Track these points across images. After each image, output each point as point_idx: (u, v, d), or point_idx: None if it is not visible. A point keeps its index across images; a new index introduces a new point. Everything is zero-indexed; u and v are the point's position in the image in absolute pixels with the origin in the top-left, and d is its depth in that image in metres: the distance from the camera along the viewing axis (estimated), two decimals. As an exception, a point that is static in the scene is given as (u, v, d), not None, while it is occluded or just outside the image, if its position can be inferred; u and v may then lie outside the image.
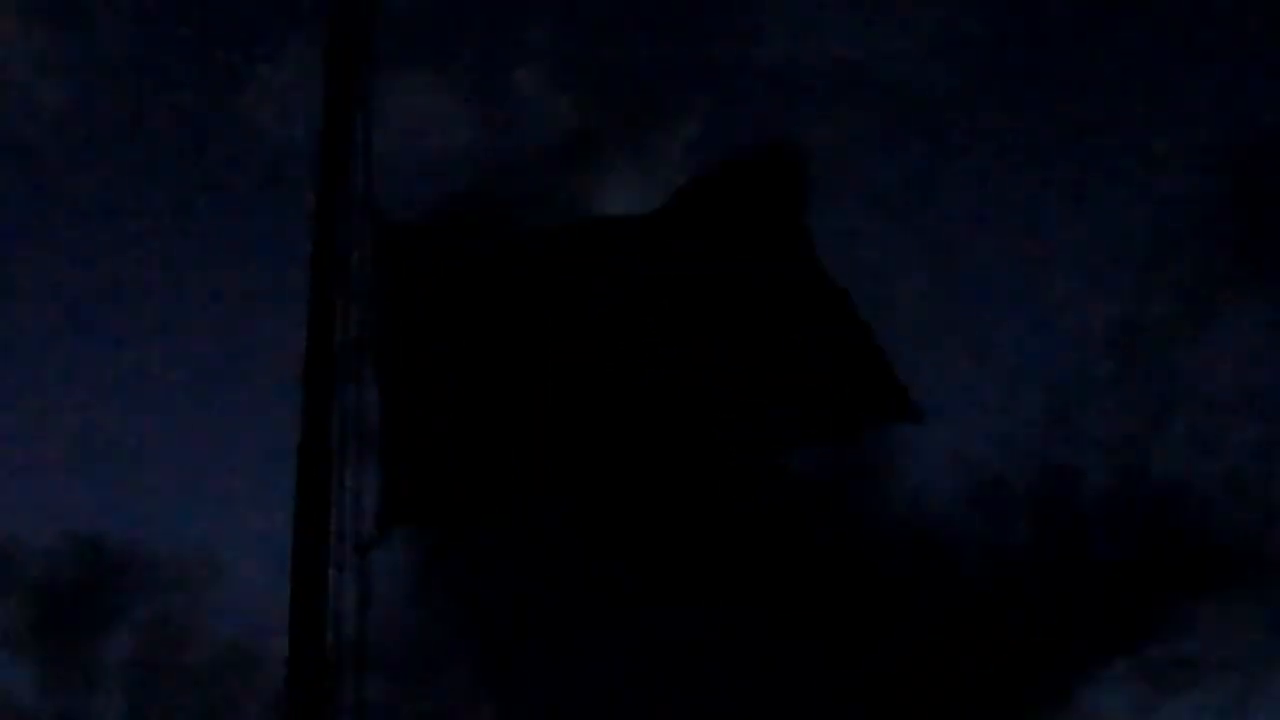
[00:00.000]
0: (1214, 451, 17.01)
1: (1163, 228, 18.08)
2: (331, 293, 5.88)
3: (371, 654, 5.87)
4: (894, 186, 19.55)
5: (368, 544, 5.95)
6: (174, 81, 19.21)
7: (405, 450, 6.13)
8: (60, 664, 17.02)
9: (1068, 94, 19.62)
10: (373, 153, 6.00)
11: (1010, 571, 16.32)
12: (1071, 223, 19.62)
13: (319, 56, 5.94)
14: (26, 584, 17.31)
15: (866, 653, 15.60)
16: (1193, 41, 19.01)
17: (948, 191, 19.87)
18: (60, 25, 19.02)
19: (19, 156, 19.20)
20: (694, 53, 19.20)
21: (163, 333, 19.63)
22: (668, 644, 15.80)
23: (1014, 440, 17.71)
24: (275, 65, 18.21)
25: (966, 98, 19.42)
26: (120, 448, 19.27)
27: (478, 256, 6.37)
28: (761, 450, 6.57)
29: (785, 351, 6.57)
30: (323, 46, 5.97)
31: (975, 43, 19.11)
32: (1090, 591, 16.27)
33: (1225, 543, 16.44)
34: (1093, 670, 16.26)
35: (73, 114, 19.18)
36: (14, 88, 18.90)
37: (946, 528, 16.41)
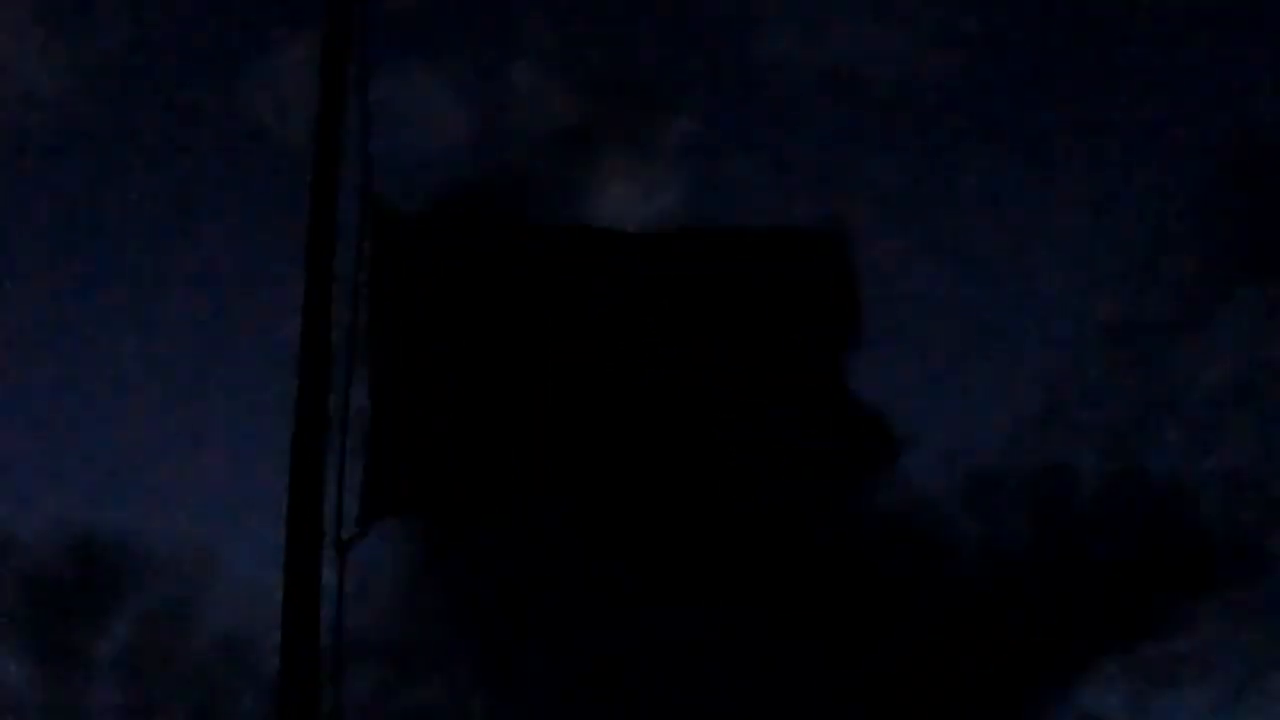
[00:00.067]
0: (1212, 449, 17.02)
1: (1161, 225, 18.10)
2: (326, 285, 5.87)
3: (369, 648, 5.88)
4: (891, 184, 19.57)
5: (348, 540, 5.92)
6: (172, 75, 19.22)
7: (393, 444, 6.12)
8: (54, 657, 17.04)
9: (1066, 91, 19.63)
10: (369, 143, 5.99)
11: (1007, 569, 16.35)
12: (1069, 220, 19.62)
13: (317, 49, 5.95)
14: (20, 577, 17.33)
15: (866, 653, 15.62)
16: (1190, 38, 19.01)
17: (945, 189, 19.88)
18: (59, 17, 19.03)
19: (17, 149, 19.21)
20: (692, 47, 19.21)
21: (158, 326, 19.65)
22: (668, 644, 15.82)
23: (1011, 437, 17.74)
24: (273, 58, 18.22)
25: (965, 95, 19.44)
26: (115, 441, 19.29)
27: (477, 249, 6.37)
28: (761, 450, 6.57)
29: (785, 352, 6.57)
30: (320, 38, 5.98)
31: (974, 40, 19.11)
32: (1087, 589, 16.28)
33: (1222, 540, 16.46)
34: (1089, 668, 16.28)
35: (71, 106, 19.20)
36: (13, 80, 18.91)
37: (944, 525, 16.43)
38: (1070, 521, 16.65)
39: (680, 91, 18.97)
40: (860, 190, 19.07)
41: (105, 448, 19.14)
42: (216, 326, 19.34)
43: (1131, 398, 17.47)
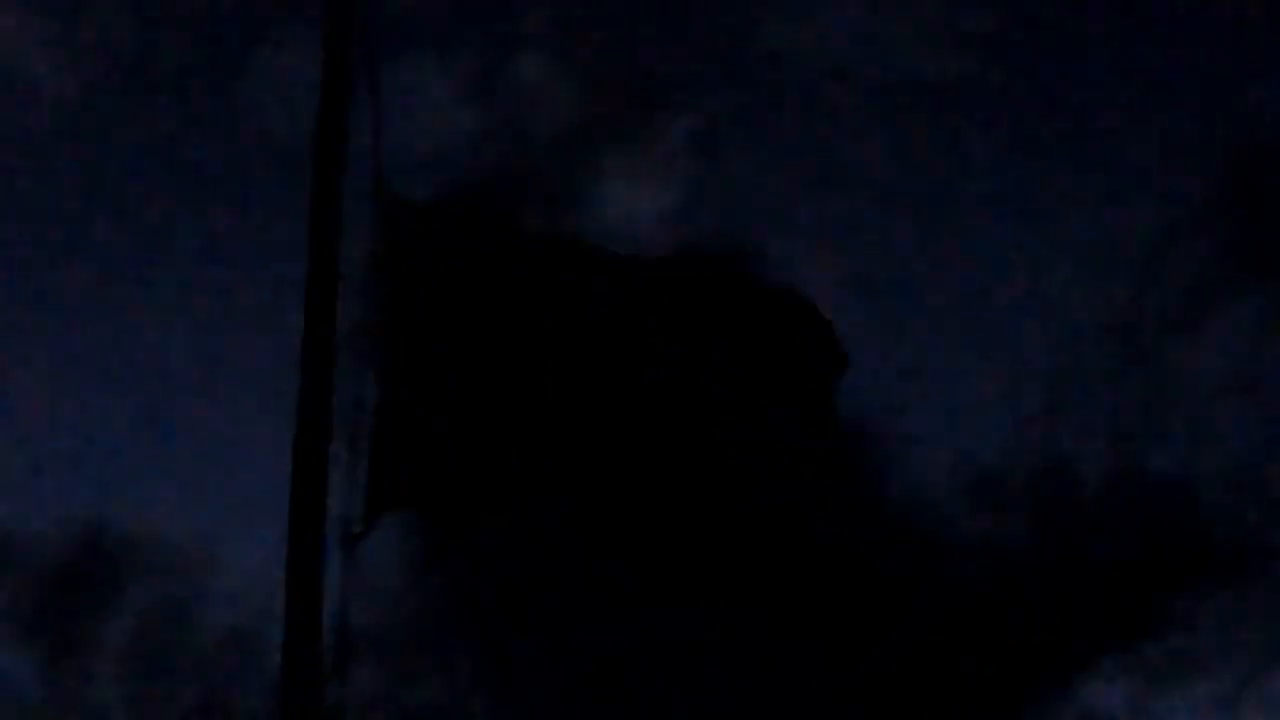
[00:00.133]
0: (1213, 446, 17.02)
1: (1163, 223, 18.10)
2: (329, 280, 5.87)
3: (369, 645, 5.87)
4: (893, 178, 19.57)
5: (355, 536, 5.94)
6: (174, 70, 19.23)
7: (398, 440, 6.13)
8: (57, 651, 17.05)
9: (1069, 86, 19.63)
10: (379, 135, 6.00)
11: (1007, 567, 16.34)
12: (1071, 216, 19.63)
13: (319, 44, 5.95)
14: (23, 571, 17.34)
15: (866, 653, 15.60)
16: (1194, 36, 19.01)
17: (947, 183, 19.88)
18: (61, 14, 19.04)
19: (20, 145, 19.23)
20: (696, 44, 19.21)
21: (162, 319, 19.65)
22: (668, 644, 15.80)
23: (1012, 434, 17.74)
24: (278, 53, 18.22)
25: (967, 92, 19.43)
26: (119, 434, 19.30)
27: (482, 247, 6.37)
28: (761, 450, 6.58)
29: (785, 354, 6.58)
30: (322, 33, 5.98)
31: (977, 34, 19.11)
32: (1088, 587, 16.27)
33: (1224, 538, 16.45)
34: (1090, 666, 16.27)
35: (75, 102, 19.21)
36: (16, 77, 18.92)
37: (945, 523, 16.42)
38: (1071, 519, 16.64)
39: (684, 88, 18.98)
40: (862, 187, 19.09)
41: (109, 442, 19.16)
42: (220, 321, 19.36)
43: (1133, 395, 17.48)
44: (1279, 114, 18.11)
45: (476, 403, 6.28)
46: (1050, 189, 19.69)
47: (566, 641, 15.77)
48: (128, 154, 19.73)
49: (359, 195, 6.04)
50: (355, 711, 5.88)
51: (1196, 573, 16.26)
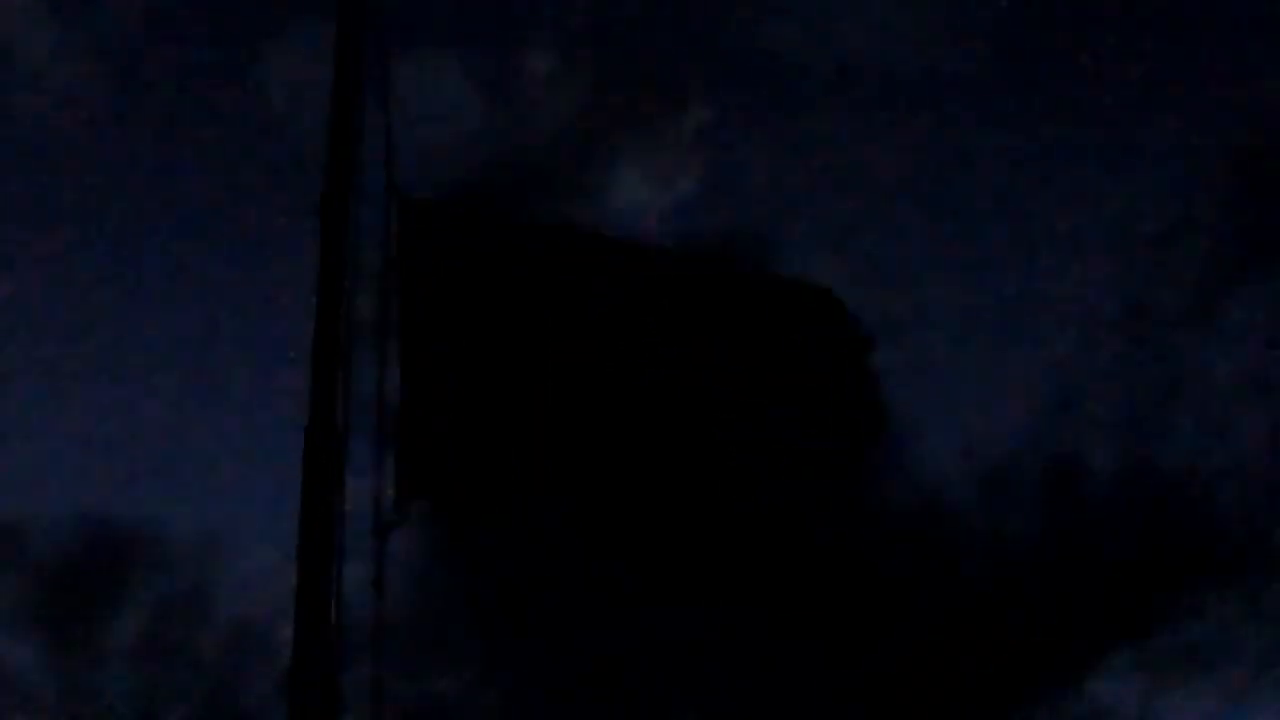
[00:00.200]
0: (1222, 439, 17.03)
1: (1173, 218, 18.10)
2: (340, 273, 5.88)
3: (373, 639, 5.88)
4: (903, 173, 19.58)
5: (387, 525, 5.95)
6: (186, 62, 19.24)
7: (425, 432, 6.14)
8: (67, 644, 17.06)
9: (1078, 80, 19.64)
10: (392, 130, 6.01)
11: (1018, 561, 16.34)
12: (1082, 211, 19.63)
13: (332, 37, 5.96)
14: (33, 565, 17.36)
15: (872, 649, 15.61)
16: (1204, 29, 19.02)
17: (957, 178, 19.89)
18: (73, 4, 19.05)
19: (29, 137, 19.23)
20: (707, 38, 19.21)
21: (173, 312, 19.67)
22: (668, 644, 15.80)
23: (1022, 427, 17.76)
24: (288, 45, 18.24)
25: (977, 84, 19.44)
26: (129, 427, 19.31)
27: (496, 240, 6.38)
28: (761, 451, 6.58)
29: (786, 353, 6.58)
30: (335, 26, 5.99)
31: (986, 29, 19.13)
32: (1098, 581, 16.27)
33: (1234, 532, 16.45)
34: (1101, 660, 16.27)
35: (84, 93, 19.21)
36: (24, 68, 18.92)
37: (955, 515, 16.43)
38: (1081, 513, 16.64)
39: (695, 82, 18.99)
40: (872, 181, 19.12)
41: (119, 436, 19.18)
42: (232, 314, 19.37)
43: (1143, 390, 17.49)
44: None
45: (493, 397, 6.28)
46: (1060, 185, 19.72)
47: (566, 641, 15.77)
48: (138, 148, 19.76)
49: (371, 190, 6.05)
50: (365, 704, 5.88)
51: (1206, 568, 16.27)
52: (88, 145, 19.64)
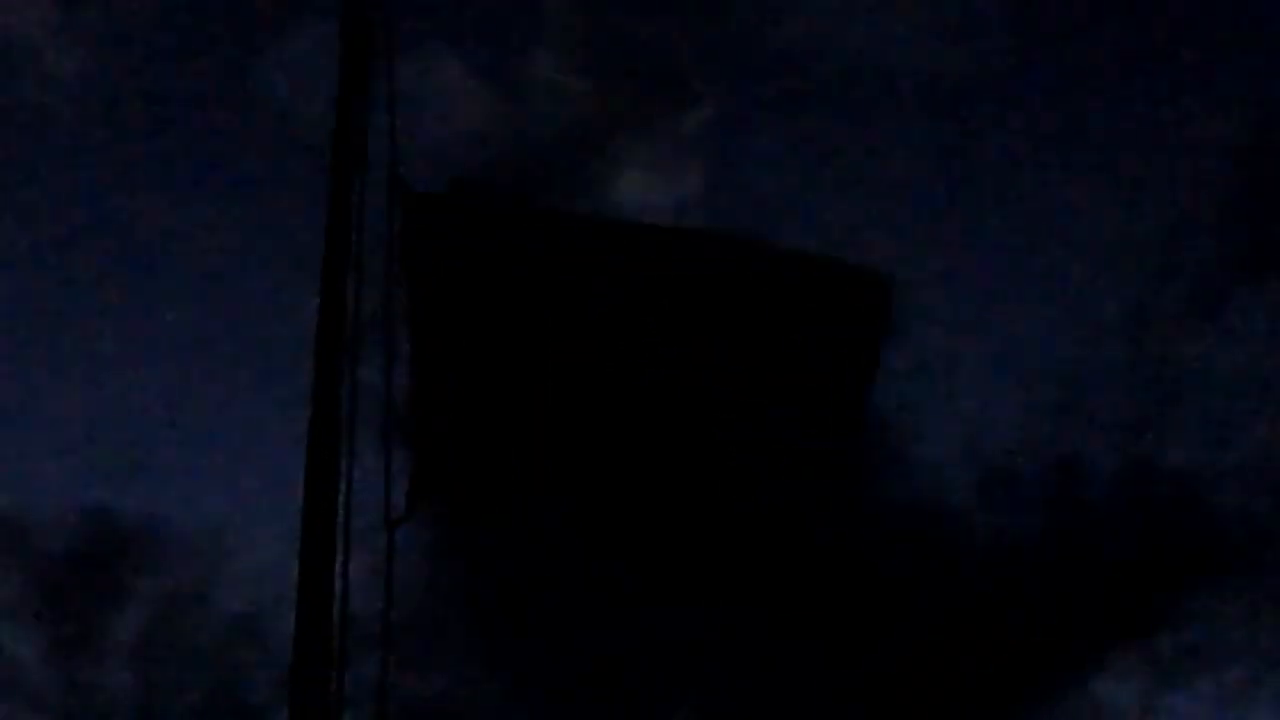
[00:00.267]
0: (1223, 439, 17.03)
1: (1176, 217, 18.11)
2: (343, 268, 5.86)
3: (378, 636, 5.86)
4: (909, 172, 19.60)
5: (396, 520, 5.94)
6: (190, 55, 19.26)
7: (435, 428, 6.13)
8: (69, 639, 17.07)
9: (1083, 81, 19.66)
10: (395, 125, 6.00)
11: (1019, 561, 16.34)
12: (1084, 210, 19.65)
13: (337, 29, 5.96)
14: (35, 560, 17.37)
15: (866, 652, 15.61)
16: (1207, 30, 19.03)
17: (961, 178, 19.90)
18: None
19: (33, 126, 19.25)
20: (712, 35, 19.22)
21: (175, 306, 19.70)
22: (668, 644, 15.80)
23: (1024, 428, 17.77)
24: (293, 36, 18.26)
25: (983, 84, 19.46)
26: (131, 422, 19.35)
27: (500, 235, 6.37)
28: (763, 450, 6.57)
29: (785, 353, 6.57)
30: (339, 19, 5.99)
31: (993, 28, 19.14)
32: (1100, 580, 16.27)
33: (1237, 532, 16.45)
34: (1103, 660, 16.26)
35: (88, 84, 19.22)
36: (29, 57, 18.92)
37: (955, 515, 16.43)
38: (1083, 513, 16.64)
39: (699, 79, 19.00)
40: (876, 181, 19.13)
41: (121, 431, 19.21)
42: (235, 309, 19.41)
43: (1144, 390, 17.50)
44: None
45: (499, 393, 6.27)
46: (1061, 184, 19.74)
47: (567, 641, 15.77)
48: (143, 141, 19.78)
49: (376, 185, 6.04)
50: (366, 700, 5.87)
51: (1207, 569, 16.26)
52: (93, 138, 19.66)
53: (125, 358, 19.75)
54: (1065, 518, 16.68)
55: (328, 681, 5.68)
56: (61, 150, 19.56)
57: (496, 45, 19.00)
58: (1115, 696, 16.34)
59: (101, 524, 17.36)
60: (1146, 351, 17.68)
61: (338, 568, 5.83)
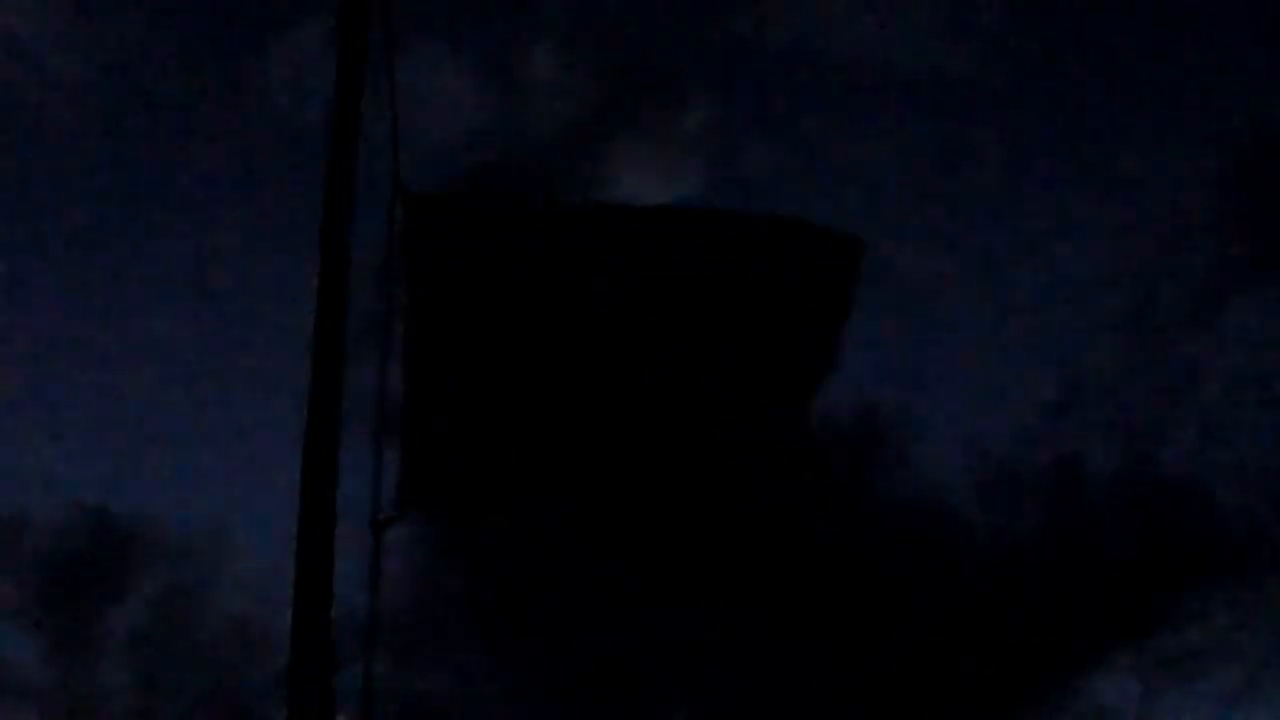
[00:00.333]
0: (1223, 440, 17.03)
1: (1176, 219, 18.12)
2: (341, 268, 5.85)
3: (380, 633, 5.86)
4: (909, 171, 19.61)
5: (384, 522, 5.93)
6: (189, 57, 19.26)
7: (426, 431, 6.12)
8: (68, 636, 17.09)
9: (1083, 80, 19.66)
10: (396, 125, 5.99)
11: (1019, 560, 16.34)
12: (1085, 210, 19.65)
13: (335, 33, 5.94)
14: (34, 557, 17.39)
15: (867, 652, 15.61)
16: (1207, 32, 19.02)
17: (962, 177, 19.90)
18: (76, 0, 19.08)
19: (33, 130, 19.26)
20: (710, 34, 19.23)
21: (174, 305, 19.72)
22: (668, 644, 15.81)
23: (1025, 426, 17.79)
24: (291, 39, 18.27)
25: (982, 83, 19.45)
26: (130, 420, 19.36)
27: (497, 235, 6.36)
28: (763, 450, 6.57)
29: (786, 352, 6.57)
30: (336, 19, 5.97)
31: (991, 27, 19.14)
32: (1099, 580, 16.27)
33: (1235, 532, 16.45)
34: (1102, 659, 16.26)
35: (89, 84, 19.22)
36: (29, 62, 18.93)
37: (955, 515, 16.44)
38: (1083, 512, 16.65)
39: (698, 78, 19.01)
40: (876, 179, 19.15)
41: (120, 430, 19.22)
42: (233, 309, 19.42)
43: (1145, 390, 17.50)
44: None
45: (496, 395, 6.27)
46: (1062, 185, 19.75)
47: (567, 641, 15.77)
48: (143, 142, 19.79)
49: (374, 184, 6.03)
50: (362, 698, 5.87)
51: (1206, 569, 16.26)
52: (93, 138, 19.67)
53: (125, 358, 19.77)
54: (1065, 518, 16.68)
55: (326, 680, 5.67)
56: (61, 150, 19.57)
57: (496, 45, 19.01)
58: (1113, 696, 16.35)
59: (99, 522, 17.40)
60: (1146, 352, 17.70)
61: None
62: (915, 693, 15.62)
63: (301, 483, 5.76)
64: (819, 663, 15.61)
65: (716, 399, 6.46)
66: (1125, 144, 19.53)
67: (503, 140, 17.96)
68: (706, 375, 6.46)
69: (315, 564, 5.71)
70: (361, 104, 5.98)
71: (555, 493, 6.43)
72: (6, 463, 18.43)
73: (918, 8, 19.14)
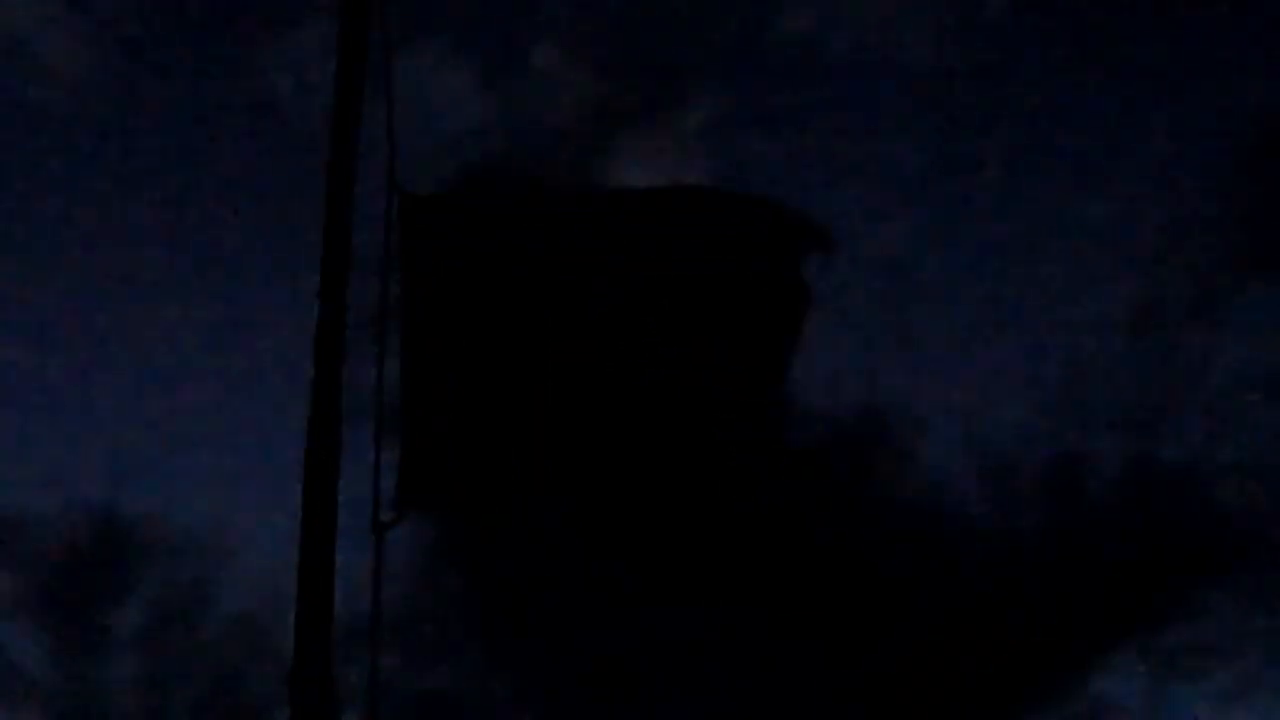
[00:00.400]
0: (1227, 436, 17.03)
1: (1179, 213, 18.11)
2: (343, 267, 5.87)
3: (383, 631, 5.87)
4: (911, 168, 19.59)
5: (386, 523, 5.93)
6: (190, 51, 19.26)
7: (427, 431, 6.13)
8: (71, 634, 17.09)
9: (1086, 76, 19.65)
10: (393, 125, 6.01)
11: (1022, 556, 16.34)
12: (1087, 204, 19.63)
13: (336, 30, 5.95)
14: (37, 555, 17.38)
15: (867, 652, 15.62)
16: (1209, 25, 19.03)
17: (964, 173, 19.89)
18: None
19: (32, 124, 19.25)
20: (713, 29, 19.21)
21: (175, 302, 19.69)
22: (668, 644, 15.81)
23: (1027, 422, 17.78)
24: (293, 35, 18.28)
25: (985, 80, 19.44)
26: (132, 418, 19.34)
27: (498, 233, 6.38)
28: (761, 449, 6.57)
29: (787, 354, 6.58)
30: (338, 16, 5.99)
31: (995, 25, 19.14)
32: (1102, 576, 16.27)
33: (1239, 528, 16.45)
34: (1106, 656, 16.27)
35: (89, 83, 19.22)
36: (29, 55, 18.92)
37: (959, 510, 16.45)
38: (1086, 508, 16.65)
39: (701, 74, 19.01)
40: (878, 173, 19.14)
41: (124, 426, 19.20)
42: (236, 307, 19.42)
43: (1147, 387, 17.50)
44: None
45: (495, 394, 6.28)
46: (1064, 181, 19.73)
47: (566, 641, 15.78)
48: (146, 140, 19.79)
49: (374, 182, 6.04)
50: (362, 696, 5.88)
51: (1210, 566, 16.26)
52: (93, 137, 19.68)
53: (125, 357, 19.77)
54: (1066, 515, 16.68)
55: (328, 679, 5.69)
56: (62, 149, 19.57)
57: (496, 45, 19.01)
58: (1117, 694, 16.36)
59: (102, 520, 17.40)
60: (1147, 349, 17.70)
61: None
62: (915, 693, 15.62)
63: (304, 482, 5.77)
64: (819, 663, 15.62)
65: (714, 396, 6.47)
66: (1126, 138, 19.54)
67: (504, 138, 17.97)
68: (703, 370, 6.47)
69: (318, 563, 5.73)
70: (361, 104, 5.99)
71: (555, 492, 6.43)
72: (8, 463, 18.44)
73: (919, 7, 19.16)
